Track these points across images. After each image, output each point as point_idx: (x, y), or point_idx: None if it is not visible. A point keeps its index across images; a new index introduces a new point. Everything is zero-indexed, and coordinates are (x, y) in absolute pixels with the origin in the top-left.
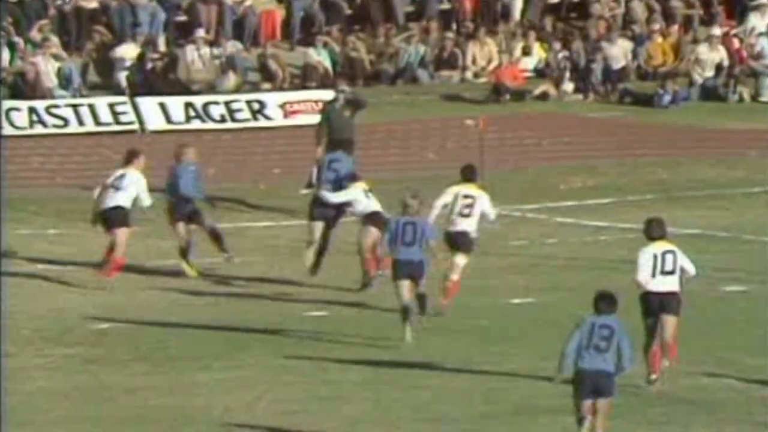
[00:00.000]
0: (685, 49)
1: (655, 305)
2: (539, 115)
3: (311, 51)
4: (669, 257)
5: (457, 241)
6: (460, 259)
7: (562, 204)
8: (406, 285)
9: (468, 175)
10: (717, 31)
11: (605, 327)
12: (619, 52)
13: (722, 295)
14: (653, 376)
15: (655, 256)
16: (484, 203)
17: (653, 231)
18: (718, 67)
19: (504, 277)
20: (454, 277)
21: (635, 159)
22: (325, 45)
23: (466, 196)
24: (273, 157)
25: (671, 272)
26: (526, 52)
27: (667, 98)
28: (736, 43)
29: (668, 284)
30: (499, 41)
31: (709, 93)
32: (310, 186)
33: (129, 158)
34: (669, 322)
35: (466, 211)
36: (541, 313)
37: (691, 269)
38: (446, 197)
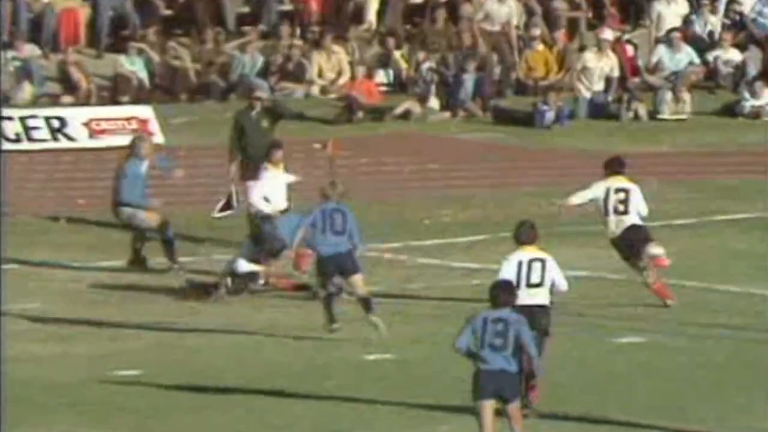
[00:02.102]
0: (570, 58)
1: None
2: (400, 136)
3: (123, 59)
4: (536, 266)
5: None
6: (654, 249)
7: (427, 242)
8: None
9: (616, 167)
10: (608, 34)
11: (499, 321)
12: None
13: (616, 348)
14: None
15: (520, 264)
16: (637, 195)
17: (522, 234)
18: (608, 80)
19: (357, 328)
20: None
21: (514, 189)
22: (140, 52)
23: (618, 190)
24: (76, 185)
25: (538, 284)
26: (383, 62)
27: (549, 116)
28: (629, 50)
29: (535, 298)
30: (351, 49)
31: (598, 110)
32: (228, 207)
33: None
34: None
35: (621, 207)
36: (402, 371)
37: (562, 284)
38: (595, 191)
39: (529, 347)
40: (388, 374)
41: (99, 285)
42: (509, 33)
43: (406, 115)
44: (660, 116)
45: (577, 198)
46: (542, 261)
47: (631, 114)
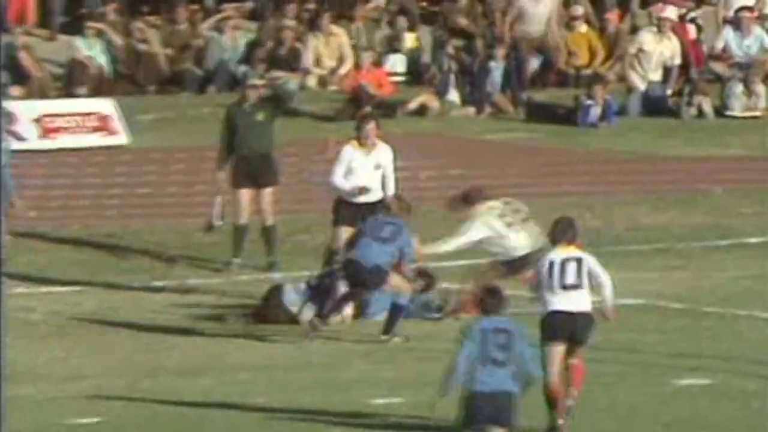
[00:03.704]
0: (621, 42)
1: (554, 328)
2: (414, 136)
3: (79, 42)
4: (571, 266)
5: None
6: None
7: (449, 263)
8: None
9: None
10: (670, 12)
11: (501, 332)
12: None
13: (677, 389)
14: (560, 421)
15: (552, 264)
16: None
17: (557, 232)
18: (667, 69)
19: (366, 369)
20: None
21: (551, 199)
22: (99, 34)
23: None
24: (26, 194)
25: (576, 286)
26: (394, 47)
27: (594, 113)
28: (692, 32)
29: (574, 302)
30: (355, 32)
31: (654, 105)
32: (210, 228)
33: None
34: (577, 351)
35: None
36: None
37: (605, 283)
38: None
39: (529, 366)
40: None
41: (53, 313)
42: (550, 35)
43: (421, 111)
44: (728, 113)
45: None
46: (578, 260)
47: (693, 110)
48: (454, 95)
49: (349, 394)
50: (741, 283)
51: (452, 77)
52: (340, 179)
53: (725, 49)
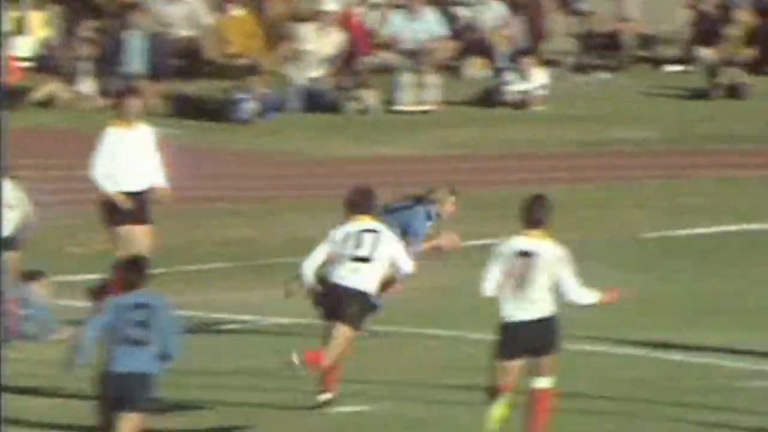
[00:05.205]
0: (281, 29)
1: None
2: (41, 131)
3: None
4: (367, 237)
5: None
6: None
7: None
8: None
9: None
10: (332, 4)
11: (140, 307)
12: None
13: (337, 417)
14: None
15: (347, 235)
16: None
17: (355, 204)
18: (329, 59)
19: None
20: None
21: (196, 206)
22: None
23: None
24: None
25: (365, 259)
26: (21, 29)
27: (249, 108)
28: (361, 18)
29: (354, 276)
30: None
31: (317, 100)
32: None
33: None
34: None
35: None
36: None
37: (404, 264)
38: None
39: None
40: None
41: None
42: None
43: (47, 102)
44: (397, 107)
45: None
46: (376, 232)
47: (358, 105)
48: (88, 84)
49: None
50: (427, 296)
51: (84, 64)
52: None
53: (394, 36)
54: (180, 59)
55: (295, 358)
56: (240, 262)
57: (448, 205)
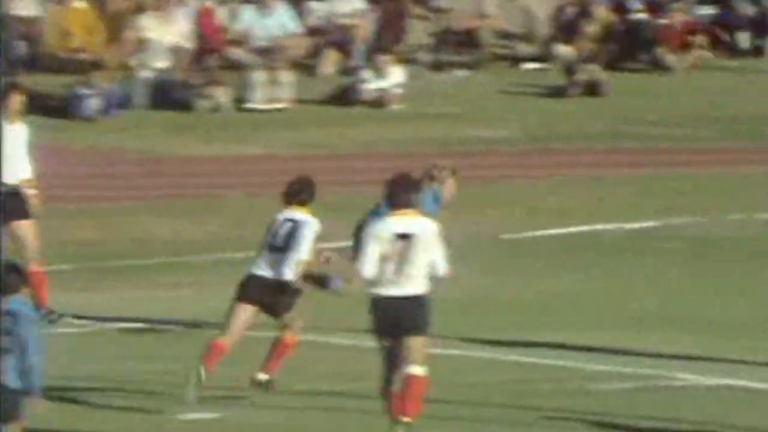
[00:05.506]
0: (124, 22)
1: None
2: None
3: None
4: (287, 226)
5: None
6: None
7: None
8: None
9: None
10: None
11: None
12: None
13: (183, 425)
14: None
15: (273, 222)
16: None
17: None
18: (176, 54)
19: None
20: None
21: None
22: None
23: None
24: None
25: (280, 249)
26: None
27: (92, 104)
28: (218, 14)
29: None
30: None
31: (165, 96)
32: None
33: None
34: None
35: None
36: None
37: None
38: None
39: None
40: None
41: None
42: None
43: None
44: (249, 105)
45: None
46: (295, 222)
47: (208, 102)
48: None
49: None
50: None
51: None
52: None
53: (246, 32)
54: (22, 46)
55: (261, 376)
56: (85, 264)
57: (450, 187)
